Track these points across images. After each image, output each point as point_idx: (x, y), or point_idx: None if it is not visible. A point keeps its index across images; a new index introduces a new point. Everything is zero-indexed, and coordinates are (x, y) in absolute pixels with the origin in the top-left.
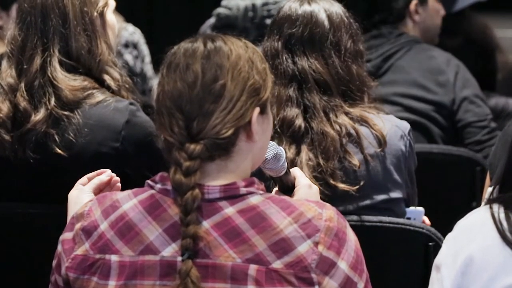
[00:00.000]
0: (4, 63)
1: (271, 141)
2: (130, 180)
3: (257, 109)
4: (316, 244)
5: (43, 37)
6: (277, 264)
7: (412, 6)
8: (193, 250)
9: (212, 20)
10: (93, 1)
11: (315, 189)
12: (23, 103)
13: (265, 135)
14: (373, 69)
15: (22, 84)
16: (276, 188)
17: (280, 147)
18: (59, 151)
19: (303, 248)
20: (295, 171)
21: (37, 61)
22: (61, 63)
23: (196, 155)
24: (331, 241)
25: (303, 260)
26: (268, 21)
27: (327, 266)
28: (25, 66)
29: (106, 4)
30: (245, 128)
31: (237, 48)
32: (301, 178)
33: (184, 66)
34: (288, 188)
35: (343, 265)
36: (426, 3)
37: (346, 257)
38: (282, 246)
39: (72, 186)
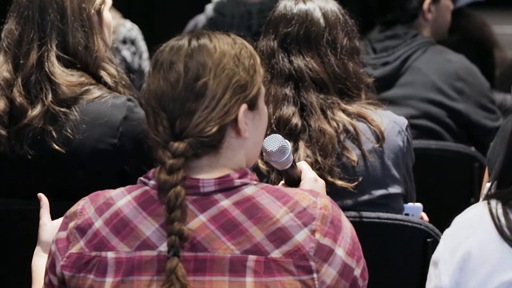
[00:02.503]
0: (0, 57)
1: (276, 134)
2: (128, 176)
3: (244, 106)
4: (313, 232)
5: (40, 32)
6: (276, 254)
7: (426, 5)
8: (179, 247)
9: (202, 19)
10: None
11: (321, 182)
12: (19, 98)
13: (258, 131)
14: (392, 72)
15: (19, 79)
16: (282, 182)
17: (286, 140)
18: (57, 147)
19: (301, 236)
20: (302, 165)
21: (34, 55)
22: (58, 58)
23: (179, 153)
24: (327, 229)
25: (301, 249)
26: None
27: (325, 254)
28: (21, 61)
29: (103, 2)
30: (232, 125)
31: (223, 45)
32: (307, 171)
33: (167, 65)
34: (294, 181)
35: (340, 252)
36: (439, 1)
37: (343, 244)
38: (280, 236)
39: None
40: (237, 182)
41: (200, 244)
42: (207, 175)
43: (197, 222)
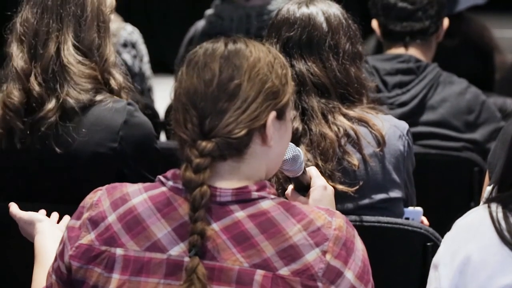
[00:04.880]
0: (16, 47)
1: (290, 142)
2: (128, 180)
3: (273, 113)
4: (324, 253)
5: (59, 22)
6: (284, 271)
7: (446, 22)
8: (200, 247)
9: (202, 24)
10: (108, 3)
11: (330, 190)
12: (38, 88)
13: (282, 142)
14: (410, 112)
15: (38, 69)
16: (291, 186)
17: (298, 148)
18: (57, 149)
19: (311, 256)
20: (311, 171)
21: (52, 46)
22: (74, 47)
23: (207, 153)
24: (339, 251)
25: (310, 269)
26: (265, 32)
27: (333, 275)
28: (40, 51)
29: (112, 8)
30: (260, 131)
31: (258, 52)
32: (317, 178)
33: (202, 64)
34: (303, 187)
35: (349, 275)
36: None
37: (353, 267)
38: (290, 253)
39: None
40: (255, 194)
41: (210, 252)
42: (226, 183)
43: (210, 230)
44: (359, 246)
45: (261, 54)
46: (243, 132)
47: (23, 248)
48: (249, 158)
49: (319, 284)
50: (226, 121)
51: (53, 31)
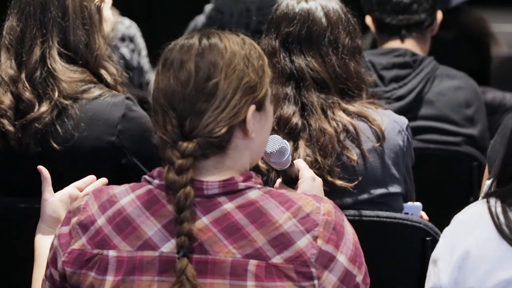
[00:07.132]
0: (3, 54)
1: (276, 135)
2: (126, 174)
3: (253, 107)
4: (315, 238)
5: (42, 28)
6: (277, 259)
7: (440, 15)
8: (189, 248)
9: (202, 19)
10: None
11: (318, 181)
12: (26, 94)
13: (264, 131)
14: (407, 106)
15: (23, 75)
16: (279, 180)
17: (285, 141)
18: (56, 146)
19: (303, 242)
20: (299, 163)
21: (37, 52)
22: (60, 54)
23: (189, 153)
24: (330, 235)
25: (302, 255)
26: (264, 27)
27: (326, 260)
28: (24, 58)
29: (103, 0)
30: (241, 125)
31: (233, 45)
32: (305, 170)
33: (178, 63)
34: (292, 180)
35: (342, 259)
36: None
37: (345, 250)
38: (282, 241)
39: (69, 181)
40: (241, 185)
41: (202, 246)
42: (212, 177)
43: (200, 224)
44: (349, 230)
45: (236, 47)
46: (223, 130)
47: (24, 245)
48: (232, 153)
49: (313, 269)
50: (206, 121)
51: (37, 37)
